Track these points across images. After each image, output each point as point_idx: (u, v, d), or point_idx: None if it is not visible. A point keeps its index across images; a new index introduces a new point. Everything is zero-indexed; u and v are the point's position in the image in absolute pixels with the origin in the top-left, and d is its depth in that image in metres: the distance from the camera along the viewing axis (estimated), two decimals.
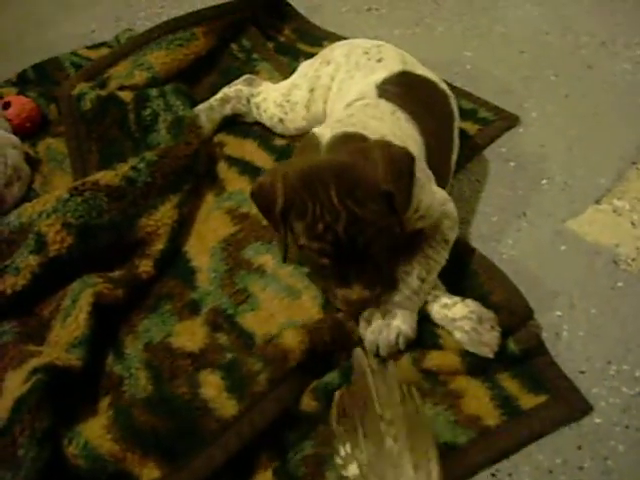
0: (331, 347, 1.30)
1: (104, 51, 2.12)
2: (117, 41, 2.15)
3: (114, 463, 1.13)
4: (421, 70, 1.61)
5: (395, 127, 1.39)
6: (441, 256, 1.39)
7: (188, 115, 1.70)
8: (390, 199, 1.20)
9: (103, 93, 1.77)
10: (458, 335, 1.31)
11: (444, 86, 1.62)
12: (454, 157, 1.58)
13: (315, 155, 1.28)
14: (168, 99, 1.75)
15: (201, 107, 1.77)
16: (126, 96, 1.77)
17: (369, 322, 1.30)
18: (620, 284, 1.46)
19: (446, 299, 1.35)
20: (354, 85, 1.58)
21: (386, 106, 1.44)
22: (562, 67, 2.03)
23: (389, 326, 1.29)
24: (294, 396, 1.24)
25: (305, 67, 1.75)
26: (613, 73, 2.03)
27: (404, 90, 1.50)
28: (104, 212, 1.45)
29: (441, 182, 1.45)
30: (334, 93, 1.65)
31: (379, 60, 1.60)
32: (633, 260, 1.50)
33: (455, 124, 1.59)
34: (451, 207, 1.43)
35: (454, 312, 1.32)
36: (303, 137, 1.39)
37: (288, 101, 1.71)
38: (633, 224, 1.57)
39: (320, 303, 1.38)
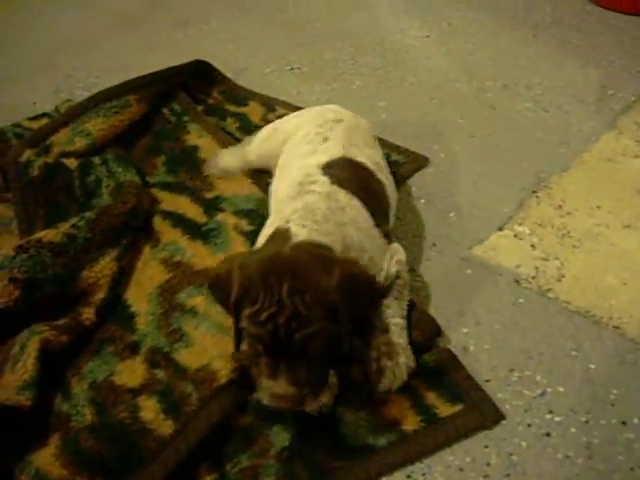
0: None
1: (45, 121, 2.25)
2: (57, 111, 2.28)
3: None
4: (362, 157, 1.66)
5: (359, 219, 1.50)
6: (405, 294, 1.53)
7: (128, 179, 1.84)
8: (336, 311, 1.24)
9: (50, 160, 1.91)
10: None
11: (379, 176, 1.67)
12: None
13: (281, 249, 1.31)
14: (110, 166, 1.91)
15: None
16: (71, 163, 1.92)
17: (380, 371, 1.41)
18: (521, 300, 1.60)
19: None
20: (295, 161, 1.67)
21: (344, 196, 1.50)
22: (468, 110, 2.22)
23: (398, 364, 1.41)
24: (224, 413, 1.35)
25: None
26: (515, 112, 2.22)
27: (348, 175, 1.57)
28: (48, 267, 1.57)
29: None
30: (281, 159, 1.77)
31: (325, 140, 1.69)
32: (533, 278, 1.65)
33: (390, 211, 1.67)
34: (401, 255, 1.56)
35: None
36: (275, 230, 1.40)
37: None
38: (533, 246, 1.73)
39: None
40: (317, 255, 1.30)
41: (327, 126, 1.73)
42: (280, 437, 1.33)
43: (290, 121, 1.86)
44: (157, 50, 2.78)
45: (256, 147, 1.91)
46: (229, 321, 1.49)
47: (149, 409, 1.35)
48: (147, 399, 1.38)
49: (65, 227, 1.65)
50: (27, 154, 1.93)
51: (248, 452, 1.32)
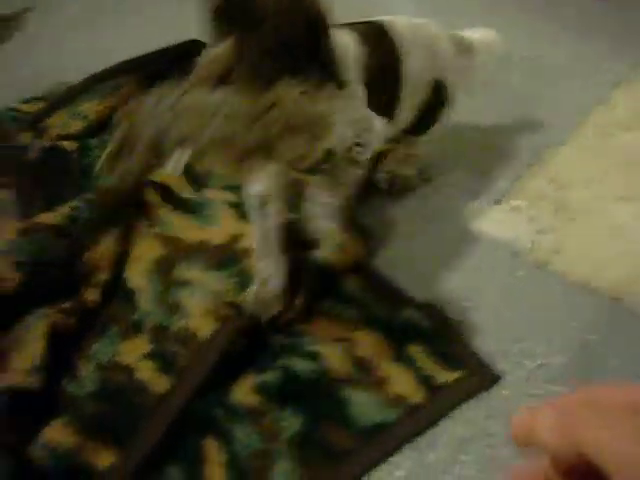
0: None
1: (40, 104, 2.25)
2: (52, 94, 2.29)
3: (75, 455, 1.27)
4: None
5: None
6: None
7: None
8: None
9: (47, 144, 1.92)
10: None
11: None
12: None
13: None
14: (107, 148, 1.89)
15: None
16: (69, 145, 1.93)
17: None
18: (520, 273, 1.62)
19: None
20: None
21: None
22: None
23: None
24: (214, 370, 1.39)
25: None
26: (511, 84, 2.23)
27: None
28: (50, 249, 1.58)
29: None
30: None
31: None
32: (531, 251, 1.67)
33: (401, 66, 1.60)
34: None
35: None
36: None
37: None
38: (530, 219, 1.75)
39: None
40: None
41: None
42: (291, 421, 1.34)
43: None
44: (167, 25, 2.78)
45: None
46: (221, 285, 1.57)
47: (144, 369, 1.41)
48: (141, 360, 1.43)
49: (65, 209, 1.66)
50: (23, 137, 1.93)
51: (259, 435, 1.33)
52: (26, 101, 2.30)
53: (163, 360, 1.42)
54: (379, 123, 1.53)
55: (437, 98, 1.69)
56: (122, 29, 2.83)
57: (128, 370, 1.42)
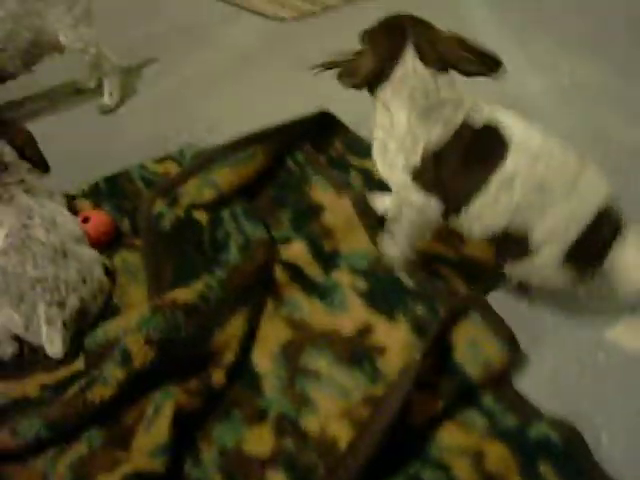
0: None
1: (169, 164, 2.31)
2: (182, 155, 2.34)
3: None
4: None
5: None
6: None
7: (256, 236, 1.87)
8: None
9: (181, 214, 1.95)
10: None
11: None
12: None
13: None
14: (239, 222, 1.93)
15: None
16: (201, 217, 1.95)
17: None
18: None
19: None
20: None
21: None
22: None
23: None
24: None
25: None
26: None
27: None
28: (182, 328, 1.59)
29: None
30: None
31: None
32: None
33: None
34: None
35: None
36: None
37: None
38: None
39: (369, 399, 1.52)
40: None
41: None
42: None
43: None
44: (276, 90, 2.81)
45: None
46: (351, 384, 1.55)
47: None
48: (275, 472, 1.40)
49: (198, 287, 1.67)
50: (159, 205, 1.97)
51: None
52: (156, 160, 2.35)
53: (294, 472, 1.41)
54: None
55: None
56: (248, 93, 2.87)
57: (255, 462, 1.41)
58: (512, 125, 1.59)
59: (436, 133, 1.59)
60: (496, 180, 1.56)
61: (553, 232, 1.56)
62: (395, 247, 1.79)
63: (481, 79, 1.59)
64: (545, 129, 1.65)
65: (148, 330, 1.56)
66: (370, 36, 1.65)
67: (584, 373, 1.61)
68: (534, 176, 1.55)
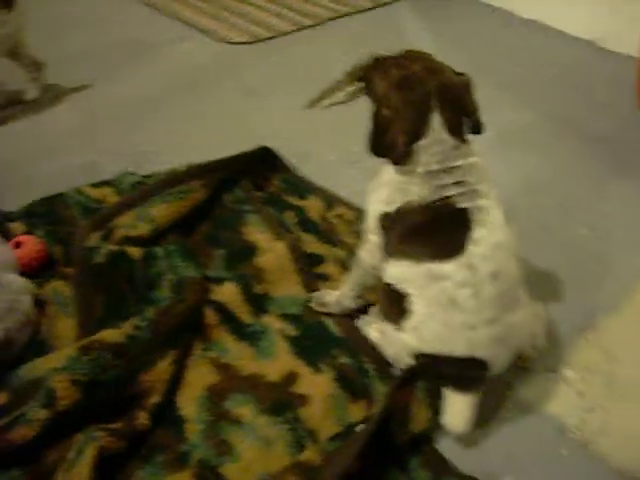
0: None
1: (106, 190, 2.31)
2: (119, 182, 2.34)
3: None
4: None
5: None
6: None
7: (189, 276, 1.89)
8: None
9: (115, 249, 1.95)
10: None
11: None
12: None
13: None
14: (173, 260, 1.95)
15: None
16: (135, 253, 1.96)
17: None
18: (564, 452, 1.61)
19: None
20: None
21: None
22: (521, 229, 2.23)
23: None
24: None
25: None
26: (568, 237, 2.24)
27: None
28: (109, 369, 1.60)
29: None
30: None
31: None
32: (578, 429, 1.67)
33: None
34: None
35: None
36: None
37: None
38: (580, 394, 1.75)
39: (291, 451, 1.55)
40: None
41: None
42: None
43: None
44: (223, 117, 2.82)
45: None
46: (273, 433, 1.58)
47: None
48: None
49: (127, 328, 1.68)
50: (93, 238, 1.97)
51: None
52: (93, 185, 2.35)
53: None
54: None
55: None
56: (192, 118, 2.88)
57: None
58: (481, 236, 1.57)
59: (423, 196, 1.59)
60: (430, 268, 1.57)
61: (424, 334, 1.59)
62: (336, 294, 1.85)
63: None
64: None
65: (75, 370, 1.57)
66: (386, 89, 1.58)
67: (499, 430, 1.66)
68: (451, 294, 1.56)
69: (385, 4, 3.91)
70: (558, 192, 2.46)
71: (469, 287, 1.54)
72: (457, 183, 1.58)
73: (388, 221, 1.65)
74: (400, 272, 1.61)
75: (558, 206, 2.39)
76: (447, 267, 1.55)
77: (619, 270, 2.14)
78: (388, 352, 1.73)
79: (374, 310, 1.78)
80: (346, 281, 1.84)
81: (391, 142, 1.56)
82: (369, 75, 1.66)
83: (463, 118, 1.59)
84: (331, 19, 3.73)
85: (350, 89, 1.74)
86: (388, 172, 1.64)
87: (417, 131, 1.54)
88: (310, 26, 3.65)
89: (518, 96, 3.07)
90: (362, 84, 1.69)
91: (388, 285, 1.65)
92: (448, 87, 1.57)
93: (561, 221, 2.31)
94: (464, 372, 1.59)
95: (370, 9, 3.85)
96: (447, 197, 1.57)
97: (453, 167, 1.58)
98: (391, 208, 1.62)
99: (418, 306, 1.58)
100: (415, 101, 1.54)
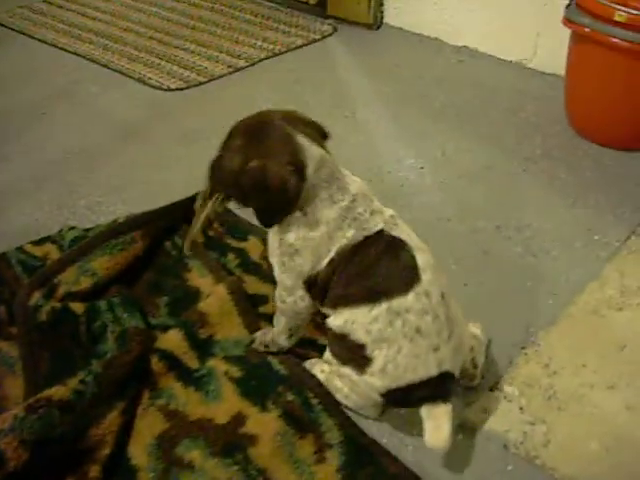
0: None
1: (48, 247, 2.31)
2: (61, 237, 2.35)
3: None
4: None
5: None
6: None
7: (132, 326, 1.91)
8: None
9: (57, 305, 1.96)
10: None
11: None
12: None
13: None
14: (116, 312, 1.97)
15: None
16: (78, 308, 1.97)
17: None
18: (510, 467, 1.67)
19: None
20: None
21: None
22: (461, 254, 2.29)
23: None
24: None
25: None
26: (506, 257, 2.31)
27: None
28: (57, 426, 1.61)
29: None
30: None
31: None
32: (521, 444, 1.72)
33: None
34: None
35: None
36: None
37: None
38: (521, 409, 1.80)
39: None
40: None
41: None
42: None
43: None
44: (161, 165, 2.86)
45: None
46: (223, 475, 1.61)
47: None
48: None
49: (73, 383, 1.69)
50: (35, 297, 1.99)
51: None
52: (35, 242, 2.35)
53: None
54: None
55: None
56: (132, 167, 2.91)
57: None
58: (425, 264, 1.63)
59: (350, 235, 1.62)
60: (386, 307, 1.60)
61: (393, 372, 1.62)
62: (276, 334, 1.88)
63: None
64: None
65: (22, 431, 1.58)
66: (239, 158, 1.60)
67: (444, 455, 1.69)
68: (415, 324, 1.59)
69: (316, 40, 3.97)
70: (493, 213, 2.53)
71: (429, 313, 1.60)
72: (372, 211, 1.64)
73: (321, 277, 1.67)
74: (351, 321, 1.64)
75: (495, 227, 2.45)
76: (408, 299, 1.59)
77: (555, 286, 2.21)
78: (350, 397, 1.74)
79: (326, 355, 1.78)
80: (276, 325, 1.87)
81: (279, 183, 1.55)
82: (219, 181, 1.69)
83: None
84: (265, 59, 3.78)
85: (210, 205, 1.74)
86: (291, 236, 1.65)
87: (296, 156, 1.56)
88: (244, 67, 3.70)
89: (449, 122, 3.15)
90: (219, 194, 1.71)
91: (338, 335, 1.68)
92: (289, 113, 1.63)
93: (498, 242, 2.38)
94: (436, 389, 1.63)
95: (302, 46, 3.91)
96: (379, 229, 1.63)
97: (352, 193, 1.63)
98: (320, 266, 1.66)
99: (379, 351, 1.61)
100: (273, 136, 1.58)
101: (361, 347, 1.63)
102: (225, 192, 1.68)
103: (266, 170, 1.54)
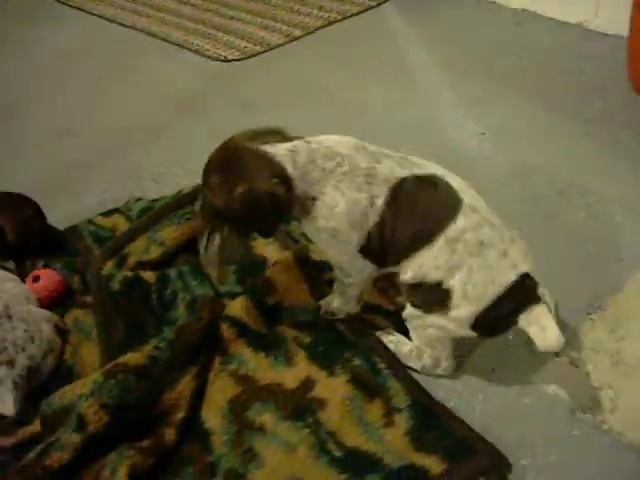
0: None
1: (117, 218, 2.39)
2: (128, 208, 2.41)
3: None
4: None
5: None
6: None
7: (202, 294, 1.97)
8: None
9: (129, 274, 2.04)
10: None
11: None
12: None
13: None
14: (186, 280, 2.03)
15: None
16: (149, 277, 2.05)
17: None
18: (576, 432, 1.67)
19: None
20: None
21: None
22: (525, 220, 2.25)
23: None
24: None
25: None
26: (569, 222, 2.29)
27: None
28: (133, 391, 1.67)
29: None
30: None
31: None
32: (588, 409, 1.73)
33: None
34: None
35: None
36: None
37: None
38: (588, 374, 1.81)
39: (314, 454, 1.63)
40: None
41: None
42: None
43: None
44: (222, 136, 2.86)
45: None
46: (295, 438, 1.66)
47: None
48: None
49: (148, 349, 1.76)
50: (108, 266, 2.06)
51: None
52: (104, 214, 2.42)
53: None
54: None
55: None
56: (193, 139, 2.94)
57: None
58: (459, 186, 1.67)
59: (379, 193, 1.65)
60: (443, 238, 1.62)
61: (474, 293, 1.63)
62: (341, 302, 1.90)
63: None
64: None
65: (101, 395, 1.64)
66: (225, 189, 1.64)
67: (511, 416, 1.72)
68: (476, 239, 1.62)
69: (371, 7, 3.96)
70: (556, 178, 2.51)
71: (484, 225, 1.63)
72: (378, 159, 1.68)
73: (373, 240, 1.70)
74: (418, 266, 1.66)
75: (557, 192, 2.44)
76: (459, 223, 1.61)
77: (620, 251, 2.18)
78: (424, 357, 1.80)
79: (406, 312, 1.78)
80: (342, 296, 1.90)
81: (269, 198, 1.60)
82: (214, 218, 1.70)
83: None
84: (321, 27, 3.79)
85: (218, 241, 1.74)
86: (321, 222, 1.69)
87: (273, 166, 1.63)
88: (300, 36, 3.71)
89: (510, 86, 3.12)
90: (221, 229, 1.72)
91: (414, 285, 1.70)
92: (245, 133, 1.74)
93: (561, 207, 2.36)
94: (522, 295, 1.64)
95: (356, 14, 3.90)
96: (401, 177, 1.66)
97: (344, 154, 1.67)
98: (364, 231, 1.69)
99: (453, 279, 1.63)
100: (244, 159, 1.65)
101: (438, 285, 1.64)
102: (225, 225, 1.70)
103: (252, 191, 1.59)
